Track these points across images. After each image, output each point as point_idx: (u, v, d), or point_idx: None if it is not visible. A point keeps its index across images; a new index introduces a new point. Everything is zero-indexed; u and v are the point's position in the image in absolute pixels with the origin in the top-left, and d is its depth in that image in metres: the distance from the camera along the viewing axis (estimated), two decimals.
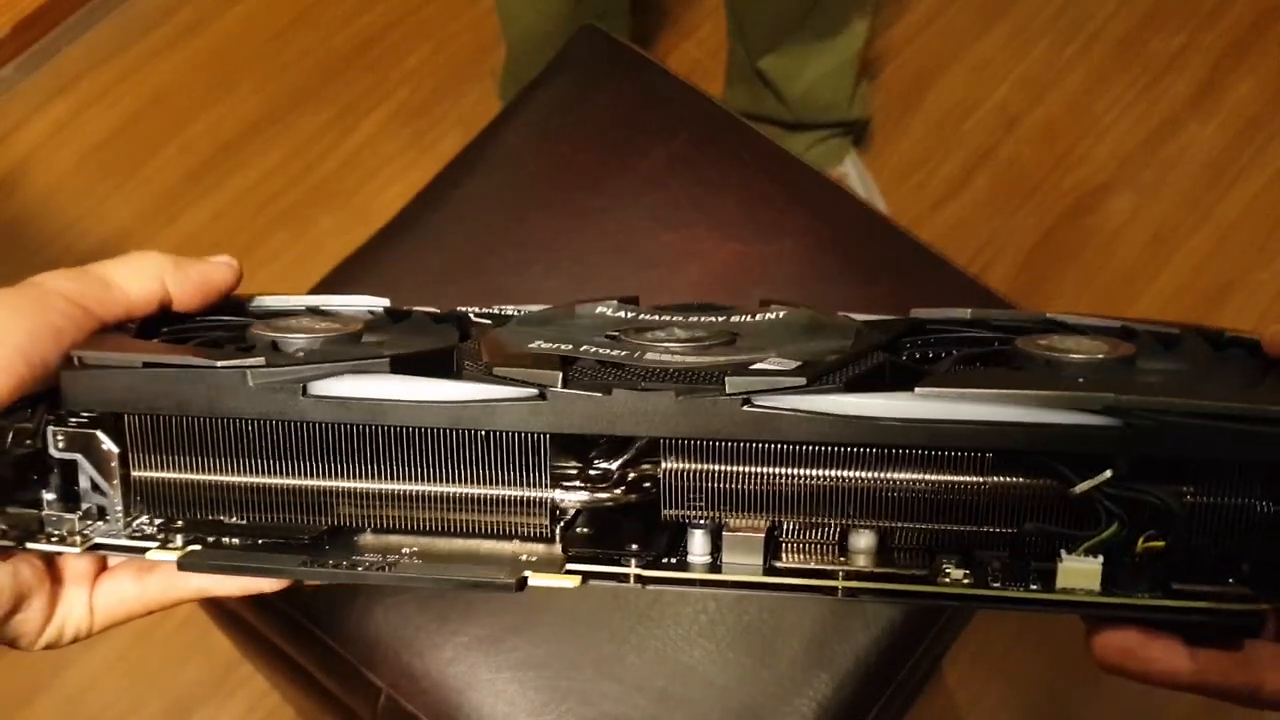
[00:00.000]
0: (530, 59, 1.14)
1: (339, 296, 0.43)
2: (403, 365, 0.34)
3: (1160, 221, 1.33)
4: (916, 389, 0.31)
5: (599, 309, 0.42)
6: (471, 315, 0.43)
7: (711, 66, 1.40)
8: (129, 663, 1.14)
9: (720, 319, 0.41)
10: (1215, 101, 1.40)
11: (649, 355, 0.36)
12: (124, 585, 0.38)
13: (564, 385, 0.32)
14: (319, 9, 1.51)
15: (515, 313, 0.43)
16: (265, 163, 1.42)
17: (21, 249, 1.36)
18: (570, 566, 0.35)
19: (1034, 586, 0.33)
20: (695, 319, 0.41)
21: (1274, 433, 0.30)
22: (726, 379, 0.32)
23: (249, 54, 1.49)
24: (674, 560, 0.35)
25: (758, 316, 0.41)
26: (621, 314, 0.42)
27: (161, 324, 0.39)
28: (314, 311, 0.41)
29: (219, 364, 0.33)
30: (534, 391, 0.32)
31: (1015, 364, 0.36)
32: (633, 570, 0.34)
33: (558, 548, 0.35)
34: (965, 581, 0.33)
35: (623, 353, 0.36)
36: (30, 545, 0.35)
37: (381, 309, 0.43)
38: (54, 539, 0.36)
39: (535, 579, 0.34)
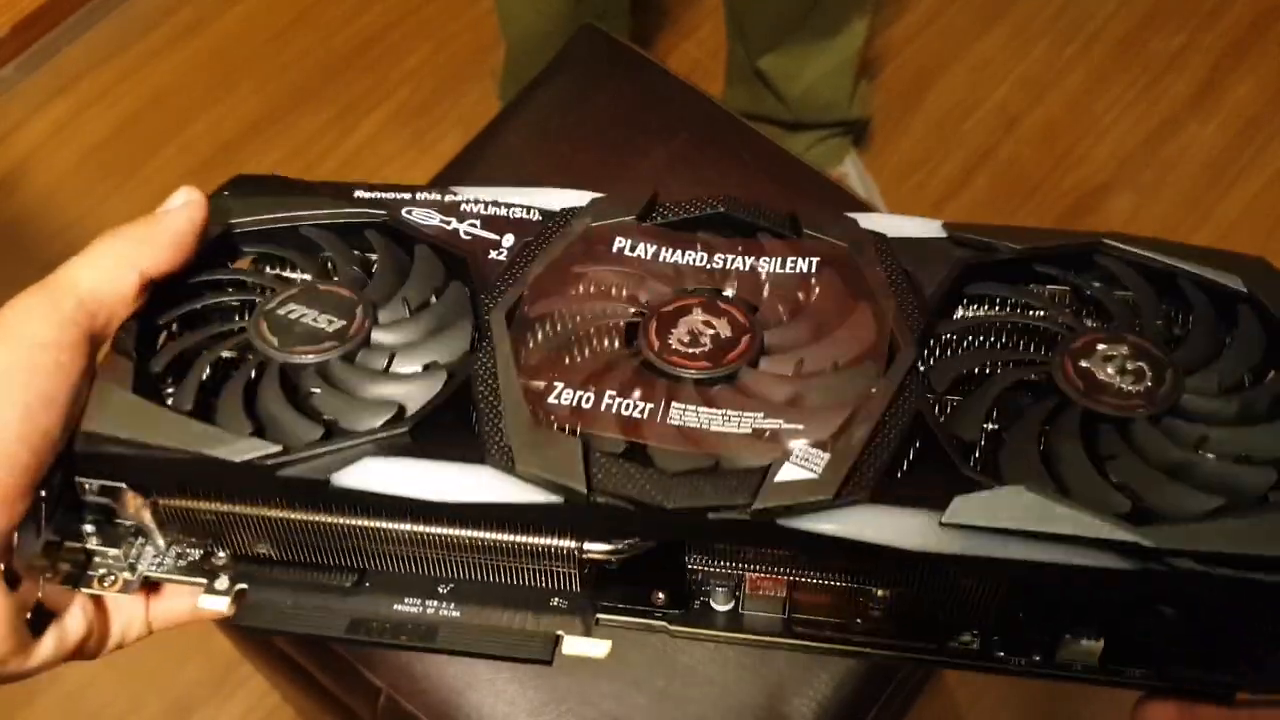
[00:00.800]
0: (530, 59, 1.14)
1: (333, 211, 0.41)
2: (424, 430, 0.34)
3: (1160, 221, 1.33)
4: (942, 521, 0.31)
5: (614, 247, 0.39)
6: (465, 232, 0.40)
7: (711, 66, 1.40)
8: (128, 662, 1.13)
9: (747, 269, 0.38)
10: (1215, 101, 1.40)
11: (673, 412, 0.34)
12: (176, 601, 0.40)
13: (589, 490, 0.32)
14: (319, 9, 1.51)
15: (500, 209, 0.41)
16: (265, 163, 1.42)
17: (21, 249, 1.36)
18: (601, 616, 0.36)
19: (1035, 658, 0.35)
20: (722, 305, 0.37)
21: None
22: (757, 498, 0.32)
23: (249, 54, 1.49)
24: (699, 604, 0.36)
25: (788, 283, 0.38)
26: (640, 254, 0.39)
27: (156, 311, 0.38)
28: (310, 289, 0.38)
29: (237, 459, 0.33)
30: (559, 500, 0.33)
31: (1051, 403, 0.34)
32: (662, 624, 0.36)
33: (586, 604, 0.36)
34: (974, 647, 0.35)
35: (646, 409, 0.34)
36: (86, 590, 0.37)
37: (383, 242, 0.40)
38: (107, 581, 0.37)
39: (568, 647, 0.35)
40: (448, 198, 0.41)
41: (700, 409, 0.34)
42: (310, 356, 0.36)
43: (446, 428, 0.35)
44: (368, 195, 0.41)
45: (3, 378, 0.33)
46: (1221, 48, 1.44)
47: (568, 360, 0.36)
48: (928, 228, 0.40)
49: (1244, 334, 0.36)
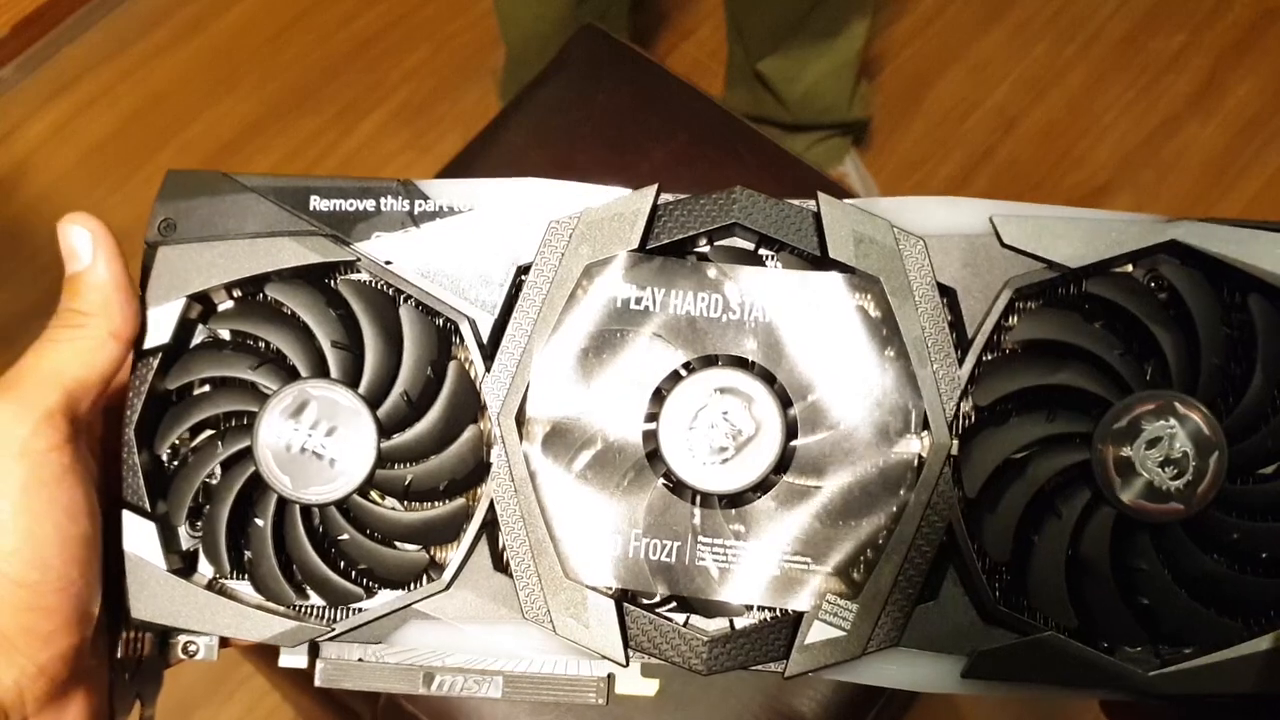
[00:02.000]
0: (530, 60, 1.14)
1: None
2: (459, 578, 0.35)
3: None
4: (963, 675, 0.33)
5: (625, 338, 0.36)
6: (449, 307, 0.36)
7: (711, 66, 1.40)
8: None
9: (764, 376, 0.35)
10: (1215, 101, 1.40)
11: (699, 554, 0.34)
12: None
13: (627, 657, 0.34)
14: (319, 9, 1.51)
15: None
16: (265, 163, 1.42)
17: (21, 249, 1.36)
18: (644, 660, 0.36)
19: None
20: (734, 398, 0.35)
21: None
22: (789, 663, 0.33)
23: (249, 54, 1.49)
24: None
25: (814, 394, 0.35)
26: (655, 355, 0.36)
27: (150, 430, 0.36)
28: (302, 396, 0.35)
29: (295, 644, 0.35)
30: (601, 676, 0.35)
31: (1083, 503, 0.33)
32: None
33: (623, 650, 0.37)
34: None
35: (674, 549, 0.34)
36: (174, 661, 0.38)
37: (362, 308, 0.36)
38: (189, 650, 0.37)
39: (621, 686, 0.37)
40: (417, 206, 0.36)
41: (728, 544, 0.34)
42: (328, 494, 0.35)
43: (475, 567, 0.35)
44: (326, 207, 0.36)
45: (22, 503, 0.31)
46: (1221, 48, 1.44)
47: (590, 486, 0.34)
48: (972, 216, 0.35)
49: None
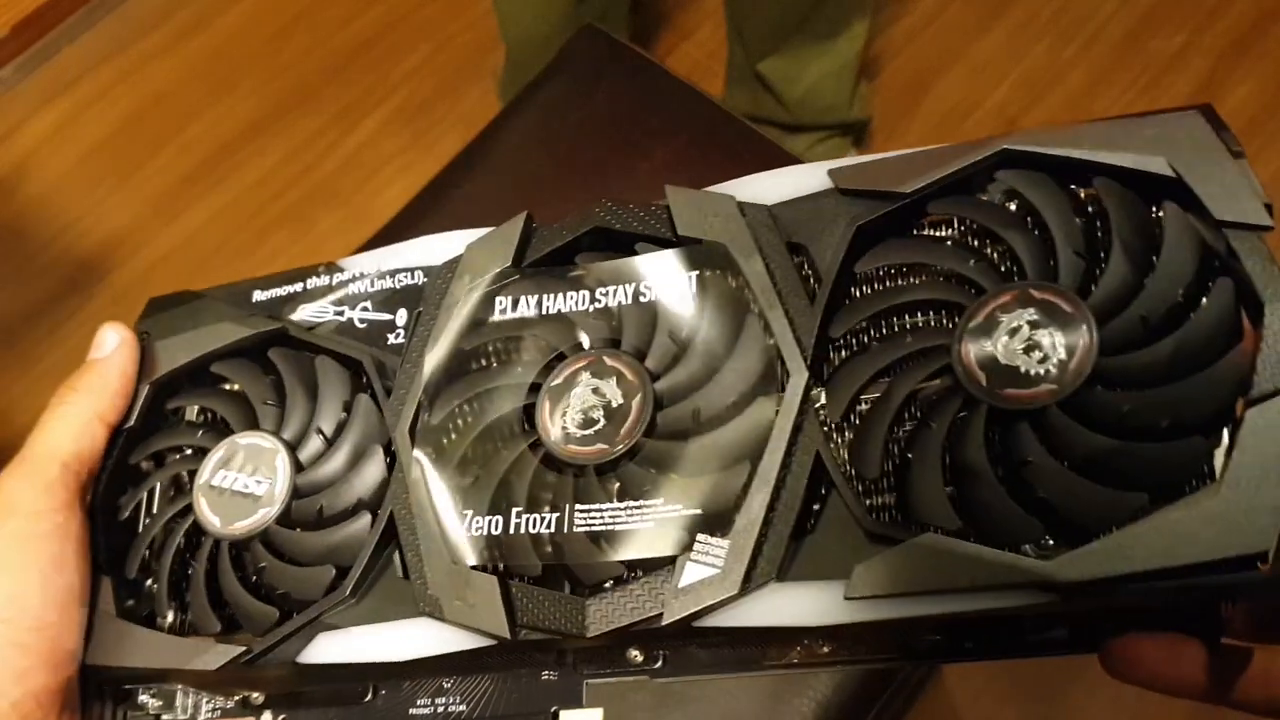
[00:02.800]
0: (530, 60, 1.14)
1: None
2: (364, 586, 0.37)
3: None
4: (847, 596, 0.31)
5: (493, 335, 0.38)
6: (368, 357, 0.40)
7: (711, 67, 1.40)
8: None
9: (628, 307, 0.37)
10: (1215, 101, 1.40)
11: (578, 518, 0.34)
12: None
13: (513, 632, 0.34)
14: (318, 9, 1.51)
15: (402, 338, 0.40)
16: (265, 163, 1.42)
17: (21, 249, 1.36)
18: (589, 682, 0.37)
19: (1004, 644, 0.34)
20: (609, 364, 0.36)
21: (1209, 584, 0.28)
22: (664, 611, 0.32)
23: (249, 54, 1.49)
24: (673, 651, 0.37)
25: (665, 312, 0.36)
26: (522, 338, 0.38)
27: (115, 498, 0.41)
28: (232, 447, 0.40)
29: (213, 667, 0.37)
30: (492, 643, 0.34)
31: (954, 409, 0.32)
32: (645, 676, 0.37)
33: (574, 675, 0.38)
34: (940, 641, 0.34)
35: (553, 520, 0.35)
36: None
37: (285, 363, 0.41)
38: None
39: (565, 718, 0.37)
40: (336, 279, 0.42)
41: (604, 507, 0.34)
42: (251, 527, 0.39)
43: (383, 576, 0.37)
44: (264, 296, 0.42)
45: (12, 550, 0.36)
46: (1221, 48, 1.44)
47: (473, 478, 0.36)
48: (813, 178, 0.36)
49: (1171, 247, 0.31)
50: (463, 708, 0.38)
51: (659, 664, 0.37)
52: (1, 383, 1.31)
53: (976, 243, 0.34)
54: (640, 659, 0.36)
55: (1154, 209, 0.32)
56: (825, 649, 0.36)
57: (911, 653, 0.35)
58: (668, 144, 0.85)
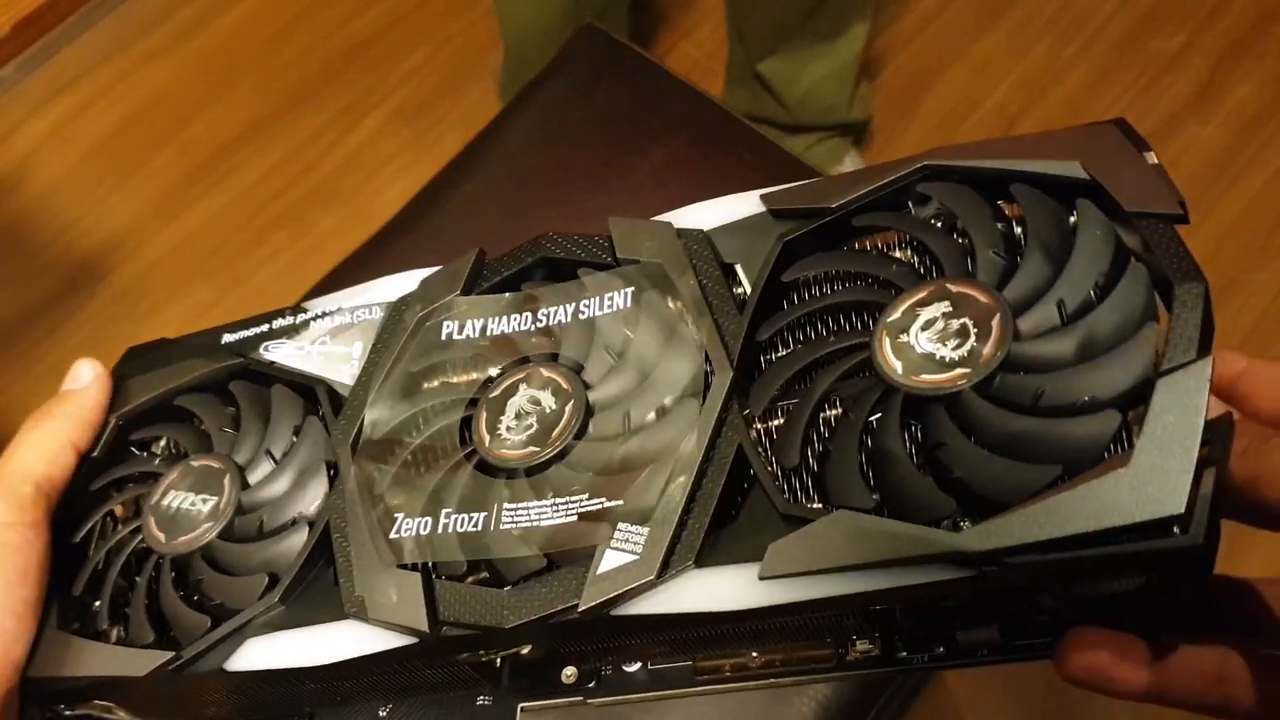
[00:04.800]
0: (529, 59, 1.14)
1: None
2: (295, 593, 0.37)
3: None
4: (760, 576, 0.30)
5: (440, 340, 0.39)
6: (325, 380, 0.41)
7: (711, 66, 1.40)
8: None
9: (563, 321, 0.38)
10: (1215, 101, 1.40)
11: (504, 515, 0.35)
12: None
13: (432, 626, 0.34)
14: (319, 9, 1.51)
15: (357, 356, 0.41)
16: (265, 163, 1.42)
17: (22, 249, 1.36)
18: (524, 705, 0.37)
19: (940, 650, 0.34)
20: (545, 379, 0.37)
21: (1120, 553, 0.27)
22: (582, 596, 0.32)
23: (249, 54, 1.49)
24: (609, 671, 0.37)
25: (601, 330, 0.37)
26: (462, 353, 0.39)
27: (71, 526, 0.42)
28: (185, 469, 0.41)
29: (141, 674, 0.37)
30: (414, 640, 0.34)
31: (872, 396, 0.32)
32: (579, 699, 0.37)
33: (507, 699, 0.38)
34: (875, 653, 0.34)
35: (481, 519, 0.35)
36: None
37: (243, 391, 0.42)
38: None
39: None
40: (299, 318, 0.43)
41: (531, 505, 0.34)
42: (194, 542, 0.39)
43: (315, 584, 0.37)
44: (233, 338, 0.44)
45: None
46: (1221, 48, 1.44)
47: (411, 483, 0.36)
48: (747, 205, 0.37)
49: (1085, 239, 0.31)
50: None
51: (592, 684, 0.36)
52: (1, 383, 1.31)
53: (899, 253, 0.35)
54: (573, 679, 0.36)
55: (1071, 213, 0.33)
56: (756, 657, 0.35)
57: (844, 663, 0.34)
58: (668, 144, 0.85)
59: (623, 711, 0.69)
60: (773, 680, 0.36)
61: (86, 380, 0.43)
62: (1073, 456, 0.28)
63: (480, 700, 0.38)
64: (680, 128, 0.86)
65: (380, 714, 0.39)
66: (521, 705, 0.37)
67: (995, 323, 0.30)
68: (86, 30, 1.51)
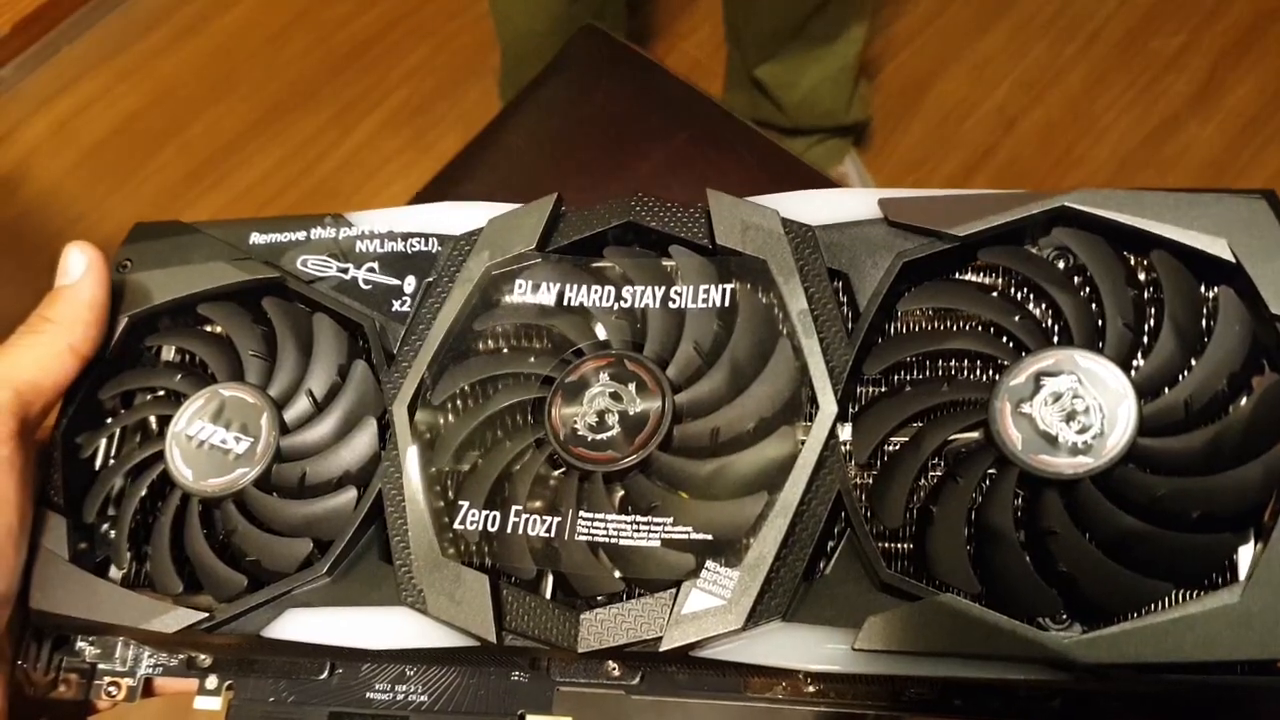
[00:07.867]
0: (527, 59, 1.14)
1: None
2: (342, 566, 0.34)
3: None
4: (854, 648, 0.30)
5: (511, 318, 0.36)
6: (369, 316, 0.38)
7: (711, 66, 1.40)
8: None
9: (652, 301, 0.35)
10: (1215, 101, 1.40)
11: (580, 525, 0.33)
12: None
13: (499, 636, 0.32)
14: (318, 9, 1.51)
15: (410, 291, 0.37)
16: (265, 162, 1.42)
17: (21, 249, 1.36)
18: (561, 688, 0.36)
19: (996, 706, 0.33)
20: (623, 383, 0.34)
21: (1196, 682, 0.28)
22: (665, 636, 0.31)
23: (249, 54, 1.49)
24: (650, 669, 0.36)
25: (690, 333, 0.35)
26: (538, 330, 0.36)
27: (76, 433, 0.38)
28: (214, 398, 0.37)
29: (170, 630, 0.35)
30: (474, 643, 0.33)
31: (984, 467, 0.31)
32: (619, 691, 0.36)
33: (545, 676, 0.36)
34: (930, 698, 0.33)
35: (554, 524, 0.33)
36: (100, 705, 0.39)
37: (280, 316, 0.38)
38: (113, 690, 0.38)
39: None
40: (343, 233, 0.39)
41: (609, 519, 0.32)
42: (226, 486, 0.36)
43: (363, 557, 0.35)
44: (263, 240, 0.39)
45: None
46: (1221, 48, 1.44)
47: (471, 466, 0.34)
48: (861, 204, 0.35)
49: (1223, 333, 0.30)
50: (424, 698, 0.36)
51: (637, 680, 0.35)
52: None
53: (1022, 297, 0.34)
54: (618, 673, 0.35)
55: (1206, 288, 0.32)
56: (812, 688, 0.35)
57: (899, 703, 0.34)
58: (667, 143, 0.85)
59: (624, 710, 0.69)
60: (823, 708, 0.35)
61: (79, 272, 0.37)
62: (1181, 571, 0.29)
63: (515, 676, 0.36)
64: (680, 128, 0.86)
65: (407, 671, 0.37)
66: (559, 686, 0.36)
67: (1122, 411, 0.30)
68: (86, 30, 1.51)
